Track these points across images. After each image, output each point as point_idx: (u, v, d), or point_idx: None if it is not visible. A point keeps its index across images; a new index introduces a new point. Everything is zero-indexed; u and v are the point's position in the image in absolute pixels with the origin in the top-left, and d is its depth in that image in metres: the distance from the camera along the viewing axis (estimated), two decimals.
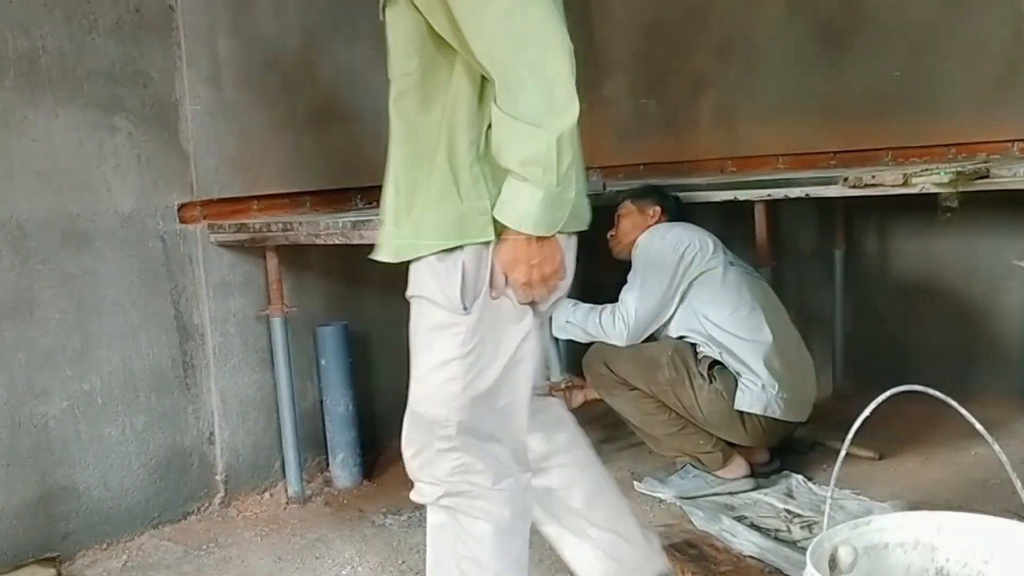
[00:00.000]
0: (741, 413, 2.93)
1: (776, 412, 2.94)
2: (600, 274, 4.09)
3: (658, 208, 3.24)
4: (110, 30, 2.82)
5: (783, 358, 2.98)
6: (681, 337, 3.05)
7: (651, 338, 3.10)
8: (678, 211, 3.29)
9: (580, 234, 1.88)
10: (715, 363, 2.98)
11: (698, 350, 3.01)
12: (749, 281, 3.11)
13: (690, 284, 3.03)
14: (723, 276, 3.04)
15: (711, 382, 2.95)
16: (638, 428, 3.18)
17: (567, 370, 3.54)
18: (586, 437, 2.11)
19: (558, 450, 2.04)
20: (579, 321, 3.14)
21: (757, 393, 2.92)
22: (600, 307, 3.12)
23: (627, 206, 3.30)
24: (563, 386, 3.36)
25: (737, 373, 2.95)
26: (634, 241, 3.18)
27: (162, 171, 2.95)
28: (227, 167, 3.10)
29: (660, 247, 3.08)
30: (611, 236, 3.32)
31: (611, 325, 3.06)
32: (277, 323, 3.11)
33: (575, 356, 3.35)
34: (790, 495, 2.93)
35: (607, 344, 3.10)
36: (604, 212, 3.87)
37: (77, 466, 2.77)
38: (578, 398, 3.33)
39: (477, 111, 1.71)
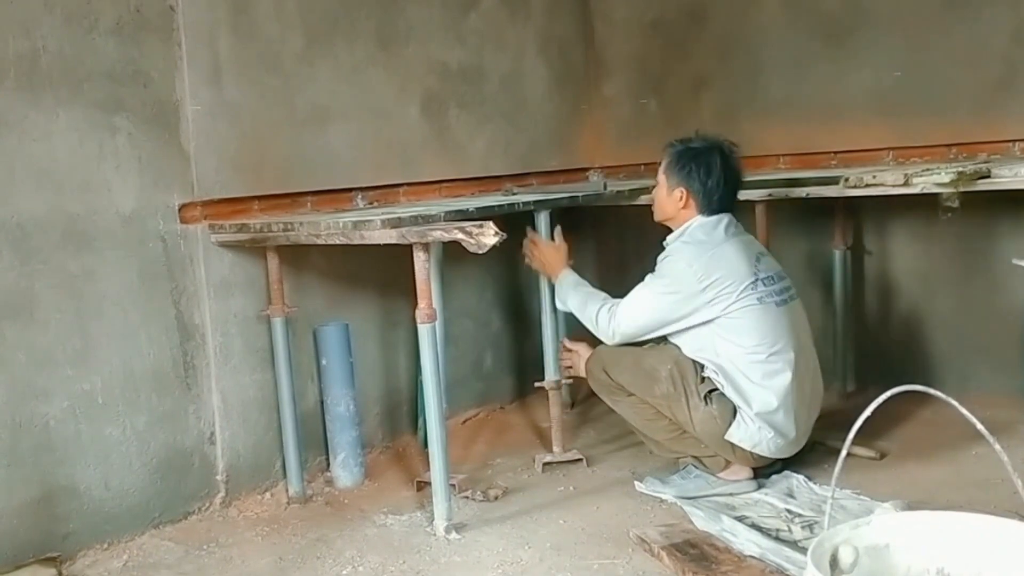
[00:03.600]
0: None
1: (766, 452, 2.94)
2: (603, 274, 4.11)
3: (682, 191, 3.04)
4: (110, 30, 2.81)
5: (790, 405, 2.91)
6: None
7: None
8: (719, 196, 3.03)
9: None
10: (715, 389, 2.93)
11: (702, 373, 2.95)
12: (776, 316, 2.94)
13: (711, 320, 2.91)
14: (748, 316, 2.90)
15: (707, 404, 2.92)
16: (639, 431, 3.18)
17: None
18: None
19: None
20: (575, 306, 3.15)
21: (751, 432, 2.90)
22: (601, 300, 3.10)
23: (660, 175, 3.11)
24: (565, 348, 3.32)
25: (737, 405, 2.91)
26: (668, 219, 3.10)
27: (163, 171, 2.95)
28: (227, 167, 3.10)
29: (684, 272, 2.94)
30: (652, 199, 3.19)
31: (605, 325, 3.06)
32: (278, 323, 3.12)
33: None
34: (791, 495, 2.92)
35: (607, 349, 3.10)
36: (606, 212, 3.86)
37: (78, 466, 2.77)
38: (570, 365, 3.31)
39: None
